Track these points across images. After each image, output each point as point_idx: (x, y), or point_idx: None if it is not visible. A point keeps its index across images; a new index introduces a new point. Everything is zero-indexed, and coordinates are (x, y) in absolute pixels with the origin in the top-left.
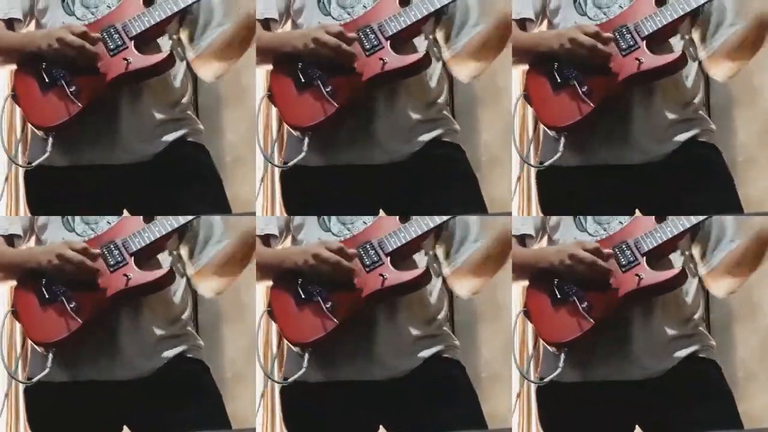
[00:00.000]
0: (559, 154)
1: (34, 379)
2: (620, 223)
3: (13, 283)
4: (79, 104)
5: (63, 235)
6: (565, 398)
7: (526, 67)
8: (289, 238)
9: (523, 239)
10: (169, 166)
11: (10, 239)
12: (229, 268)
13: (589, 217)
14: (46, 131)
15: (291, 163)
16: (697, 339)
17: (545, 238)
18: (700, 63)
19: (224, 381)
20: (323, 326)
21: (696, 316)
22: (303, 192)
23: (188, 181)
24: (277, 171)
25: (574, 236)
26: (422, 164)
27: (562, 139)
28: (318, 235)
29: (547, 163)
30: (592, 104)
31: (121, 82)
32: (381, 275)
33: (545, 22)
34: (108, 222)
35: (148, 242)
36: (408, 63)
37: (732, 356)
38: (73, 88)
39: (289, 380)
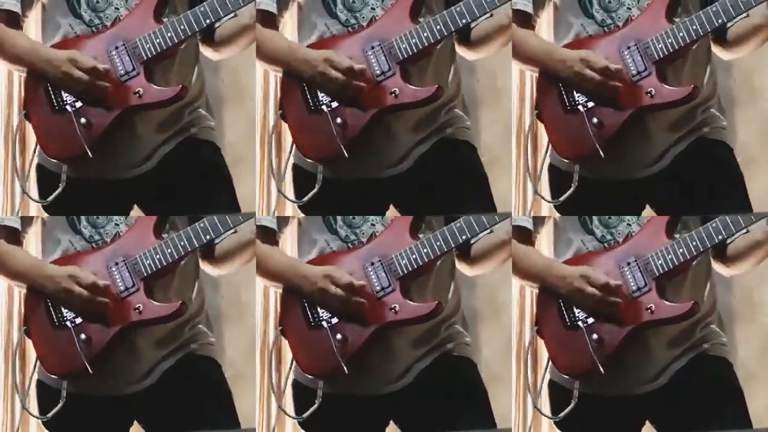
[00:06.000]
0: (573, 187)
1: (49, 414)
2: (628, 225)
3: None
4: (89, 140)
5: (69, 238)
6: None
7: (532, 70)
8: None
9: (528, 236)
10: (178, 166)
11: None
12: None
13: (595, 218)
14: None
15: (305, 199)
16: (709, 336)
17: (548, 230)
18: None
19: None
20: (332, 362)
21: (712, 316)
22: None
23: (197, 181)
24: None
25: (581, 239)
26: (431, 165)
27: (576, 169)
28: (324, 238)
29: (562, 198)
30: (602, 139)
31: (131, 112)
32: (392, 309)
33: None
34: (116, 224)
35: (160, 267)
36: (420, 99)
37: (732, 356)
38: (83, 120)
39: (305, 415)
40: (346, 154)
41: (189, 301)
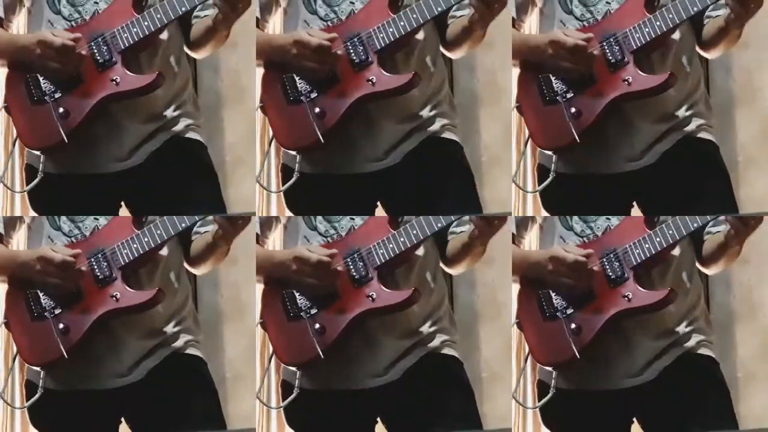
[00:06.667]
0: (551, 178)
1: (27, 404)
2: (607, 219)
3: (3, 286)
4: (67, 129)
5: (49, 233)
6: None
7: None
8: (278, 235)
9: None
10: (164, 164)
11: None
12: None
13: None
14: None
15: (283, 188)
16: (695, 334)
17: (533, 232)
18: (698, 52)
19: (224, 381)
20: (310, 351)
21: (697, 311)
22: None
23: (183, 180)
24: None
25: (560, 235)
26: (417, 163)
27: (554, 159)
28: (304, 234)
29: (540, 188)
30: (579, 128)
31: (109, 100)
32: (369, 296)
33: (535, 14)
34: (95, 218)
35: (137, 255)
36: (397, 86)
37: (732, 356)
38: (61, 110)
39: (283, 404)
40: (321, 139)
41: (171, 294)
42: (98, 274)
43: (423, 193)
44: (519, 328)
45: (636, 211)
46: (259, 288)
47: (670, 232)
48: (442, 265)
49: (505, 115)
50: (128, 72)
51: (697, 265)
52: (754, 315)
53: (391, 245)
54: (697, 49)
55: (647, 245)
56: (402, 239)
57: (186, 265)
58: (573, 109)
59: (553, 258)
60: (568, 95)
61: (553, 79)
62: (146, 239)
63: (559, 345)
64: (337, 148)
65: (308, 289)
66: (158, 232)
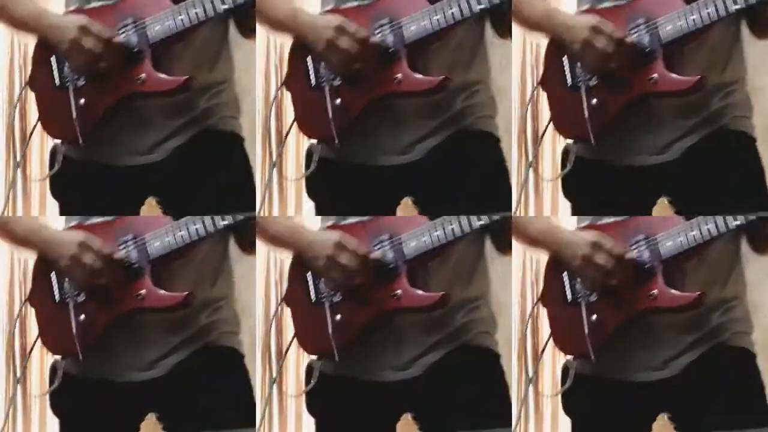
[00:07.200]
0: (570, 166)
1: (46, 392)
2: None
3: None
4: (84, 125)
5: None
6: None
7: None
8: None
9: None
10: (193, 159)
11: None
12: None
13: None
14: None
15: (302, 176)
16: (730, 325)
17: None
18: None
19: None
20: (326, 345)
21: (735, 302)
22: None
23: (214, 176)
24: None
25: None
26: (445, 156)
27: (573, 150)
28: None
29: (559, 175)
30: (597, 123)
31: (132, 98)
32: (394, 295)
33: None
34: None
35: (169, 249)
36: (424, 88)
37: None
38: (81, 101)
39: (302, 392)
40: (336, 139)
41: (207, 290)
42: (126, 262)
43: (450, 189)
44: (543, 305)
45: (662, 207)
46: (260, 286)
47: (708, 227)
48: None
49: (504, 114)
50: (156, 72)
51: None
52: (754, 315)
53: (425, 238)
54: (748, 36)
55: (681, 238)
56: (438, 233)
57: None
58: (594, 101)
59: (595, 244)
60: (591, 83)
61: (576, 62)
62: (182, 233)
63: (577, 336)
64: (354, 138)
65: (338, 275)
66: (196, 226)
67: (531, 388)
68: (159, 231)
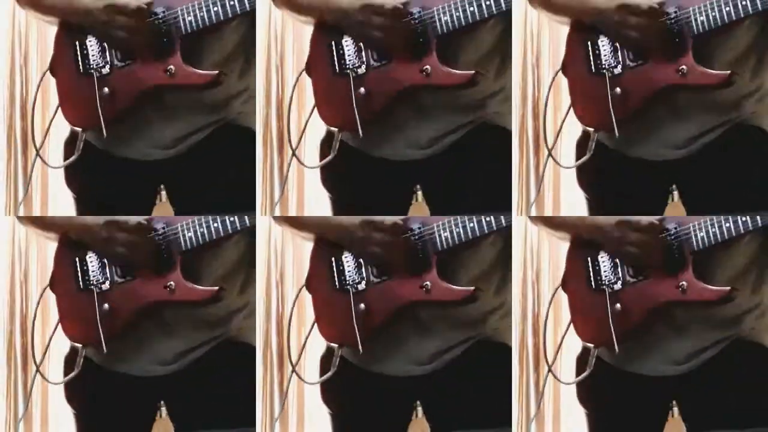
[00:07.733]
0: (589, 154)
1: (65, 380)
2: None
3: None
4: (107, 114)
5: None
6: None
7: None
8: None
9: None
10: (212, 155)
11: None
12: None
13: None
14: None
15: (321, 164)
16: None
17: None
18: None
19: None
20: (349, 335)
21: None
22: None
23: (233, 172)
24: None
25: None
26: (466, 151)
27: (593, 138)
28: None
29: (577, 164)
30: (622, 110)
31: (159, 90)
32: (423, 287)
33: None
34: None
35: (202, 243)
36: (452, 82)
37: None
38: (105, 90)
39: (321, 380)
40: (360, 132)
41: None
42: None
43: (467, 185)
44: (564, 290)
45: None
46: (261, 285)
47: (744, 219)
48: None
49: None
50: (185, 65)
51: None
52: None
53: (457, 230)
54: None
55: (714, 230)
56: (471, 225)
57: None
58: (618, 89)
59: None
60: (615, 71)
61: (602, 48)
62: (216, 225)
63: (600, 325)
64: (379, 130)
65: (368, 258)
66: (231, 219)
67: (550, 378)
68: (191, 222)
